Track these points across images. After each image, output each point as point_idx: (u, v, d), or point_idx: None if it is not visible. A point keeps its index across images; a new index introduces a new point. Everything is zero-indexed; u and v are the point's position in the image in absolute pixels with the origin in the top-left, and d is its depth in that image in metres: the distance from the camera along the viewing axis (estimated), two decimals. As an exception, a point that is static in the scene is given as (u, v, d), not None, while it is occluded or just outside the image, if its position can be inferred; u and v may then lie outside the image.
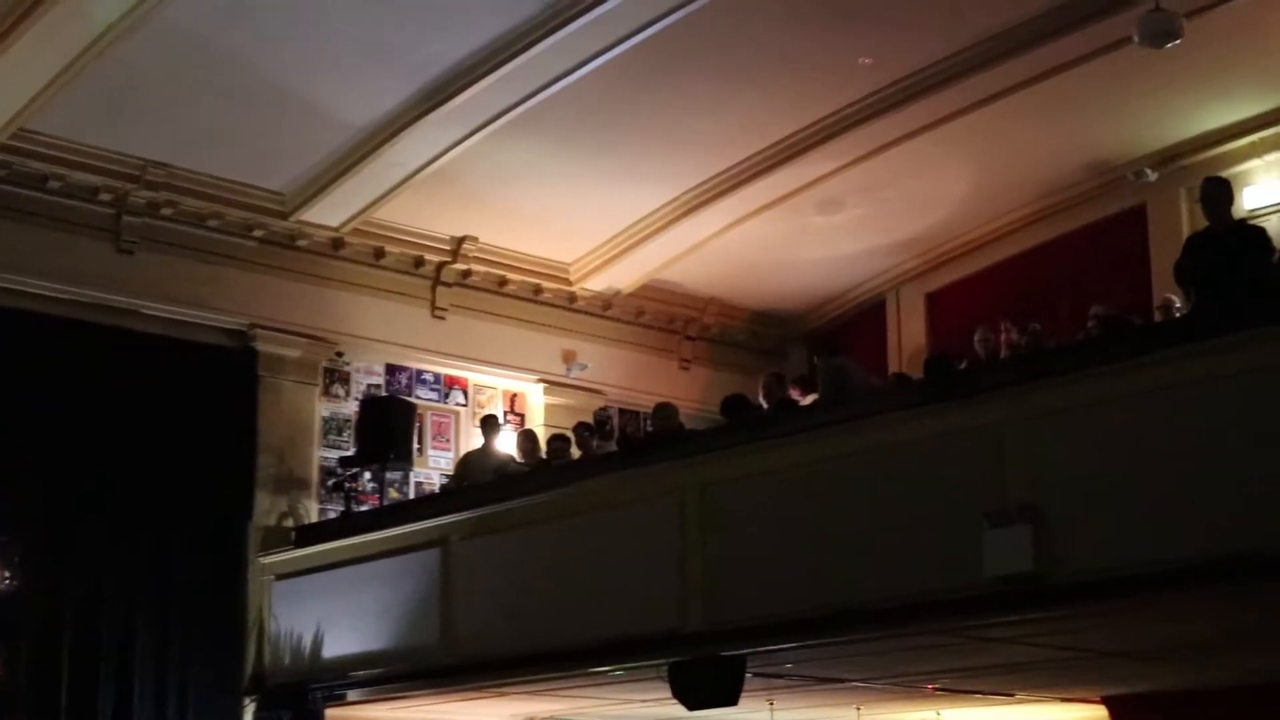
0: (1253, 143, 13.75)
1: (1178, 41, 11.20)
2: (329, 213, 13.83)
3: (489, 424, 14.12)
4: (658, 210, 14.92)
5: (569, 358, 15.90)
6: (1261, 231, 9.22)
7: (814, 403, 11.57)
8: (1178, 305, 11.42)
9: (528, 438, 13.91)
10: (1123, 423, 7.31)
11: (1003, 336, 12.49)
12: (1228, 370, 6.95)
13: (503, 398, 15.63)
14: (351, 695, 11.81)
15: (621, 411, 16.10)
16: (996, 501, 7.59)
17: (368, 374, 14.72)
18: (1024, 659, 9.58)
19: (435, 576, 11.01)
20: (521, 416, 15.48)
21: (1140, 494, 7.12)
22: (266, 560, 12.80)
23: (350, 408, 14.38)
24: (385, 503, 13.79)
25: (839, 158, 13.91)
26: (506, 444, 14.23)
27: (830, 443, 8.61)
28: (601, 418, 14.68)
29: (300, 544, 12.71)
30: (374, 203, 13.77)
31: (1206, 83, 12.98)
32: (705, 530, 9.09)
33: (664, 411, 12.22)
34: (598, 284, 15.94)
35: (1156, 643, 9.15)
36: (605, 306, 16.23)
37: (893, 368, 15.70)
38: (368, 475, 14.08)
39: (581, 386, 15.92)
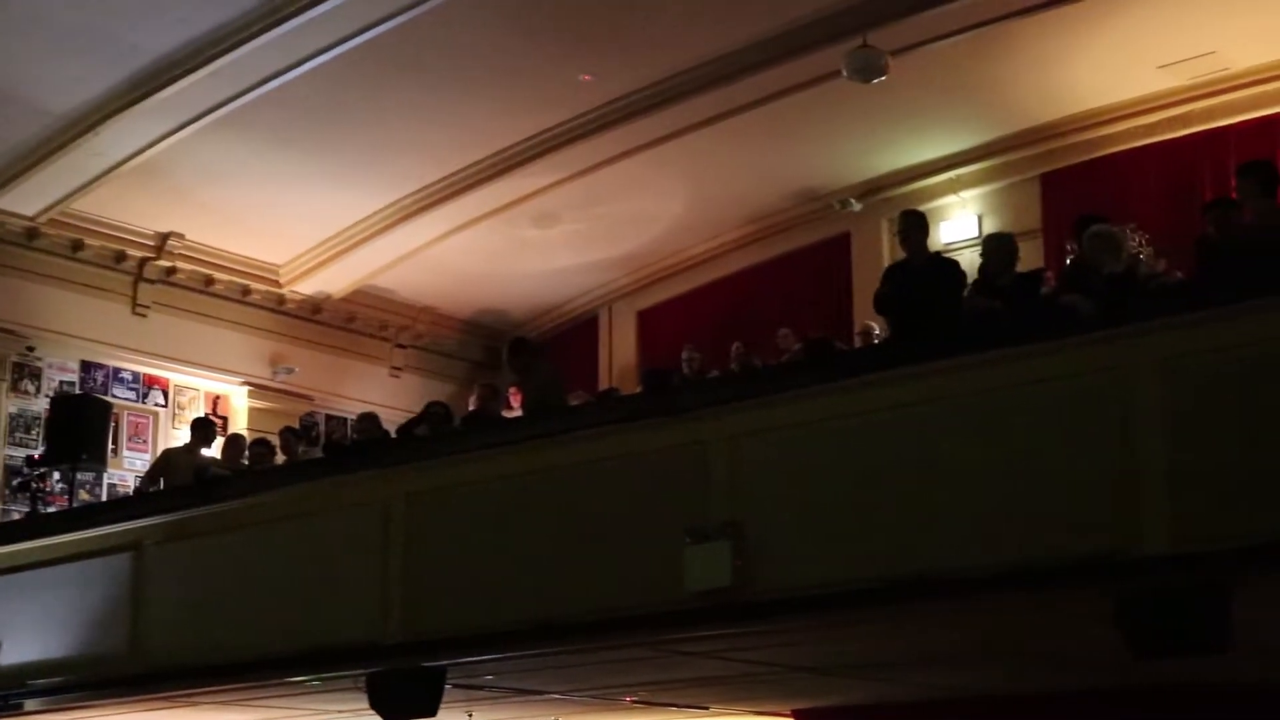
0: (951, 179, 14.38)
1: (884, 78, 11.63)
2: (24, 201, 13.25)
3: (201, 428, 13.64)
4: (372, 215, 14.76)
5: (276, 361, 15.58)
6: (955, 264, 9.60)
7: (523, 411, 11.58)
8: (877, 332, 11.84)
9: (232, 442, 13.56)
10: (820, 445, 7.50)
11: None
12: (917, 398, 7.21)
13: (205, 399, 15.22)
14: (29, 705, 11.27)
15: (329, 417, 15.85)
16: (699, 517, 7.71)
17: (61, 370, 14.16)
18: (719, 673, 9.75)
19: (126, 582, 10.61)
20: (224, 419, 15.09)
21: (833, 515, 7.32)
22: (-57, 563, 12.14)
23: (40, 405, 13.81)
24: (75, 504, 13.26)
25: (556, 172, 14.00)
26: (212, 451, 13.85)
27: (536, 455, 8.61)
28: (308, 423, 14.42)
29: (-20, 546, 12.09)
30: (73, 193, 13.26)
31: (910, 119, 13.52)
32: (409, 540, 8.99)
33: (365, 422, 12.07)
34: (308, 287, 15.68)
35: (845, 658, 9.41)
36: (315, 310, 15.98)
37: (603, 383, 15.87)
38: (57, 475, 13.52)
39: (288, 391, 15.64)
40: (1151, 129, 13.45)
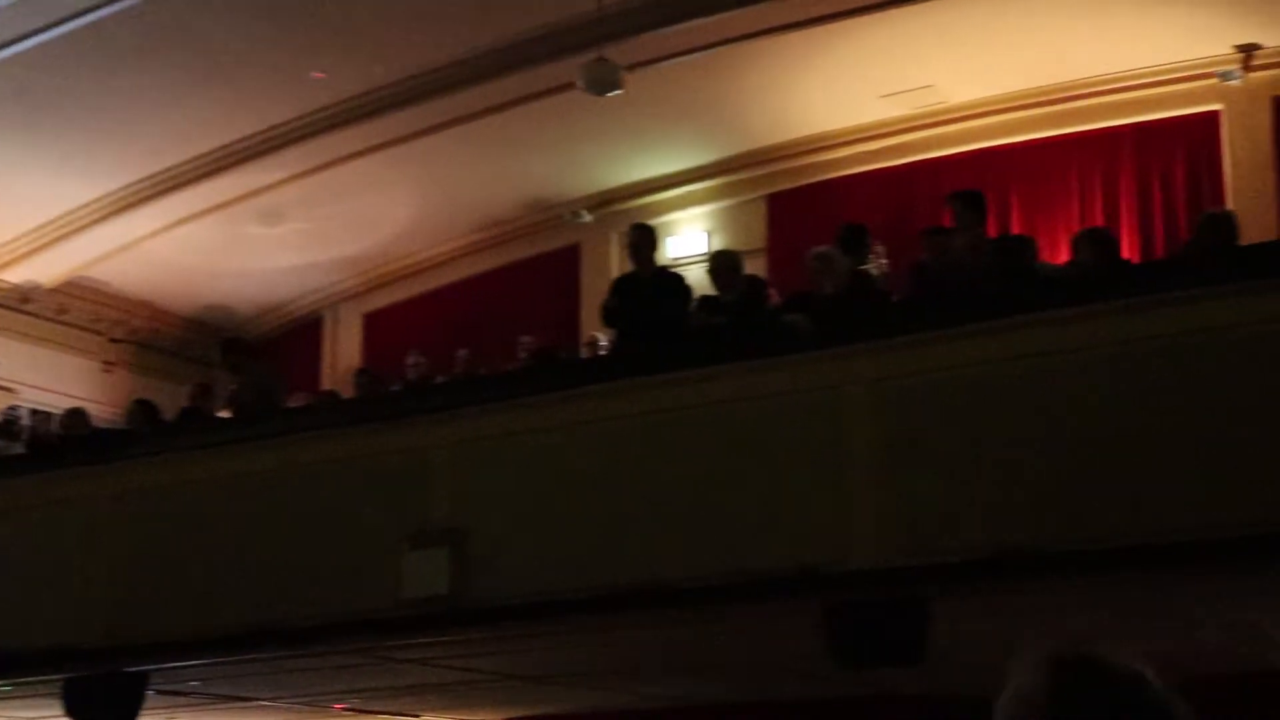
0: (679, 195, 14.59)
1: (618, 92, 11.74)
2: None
3: None
4: (89, 204, 14.23)
5: (-23, 352, 14.89)
6: (681, 279, 9.75)
7: (235, 413, 11.30)
8: (603, 343, 11.93)
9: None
10: (543, 454, 7.53)
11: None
12: (641, 410, 7.29)
13: (-104, 390, 14.45)
14: None
15: (34, 412, 15.19)
16: (419, 523, 7.65)
17: None
18: (434, 680, 9.69)
19: None
20: (-83, 411, 14.35)
21: (554, 524, 7.36)
22: None
23: None
24: None
25: (284, 169, 13.73)
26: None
27: (252, 456, 8.43)
28: (10, 417, 13.80)
29: None
30: None
31: (643, 134, 13.68)
32: (115, 540, 8.69)
33: (73, 418, 11.64)
34: (16, 275, 15.02)
35: (562, 667, 9.46)
36: (23, 300, 15.32)
37: (326, 386, 15.60)
38: None
39: (-10, 383, 14.95)
40: (873, 155, 13.89)
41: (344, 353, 16.63)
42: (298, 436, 8.40)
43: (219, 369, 15.74)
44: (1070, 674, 1.74)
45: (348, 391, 13.01)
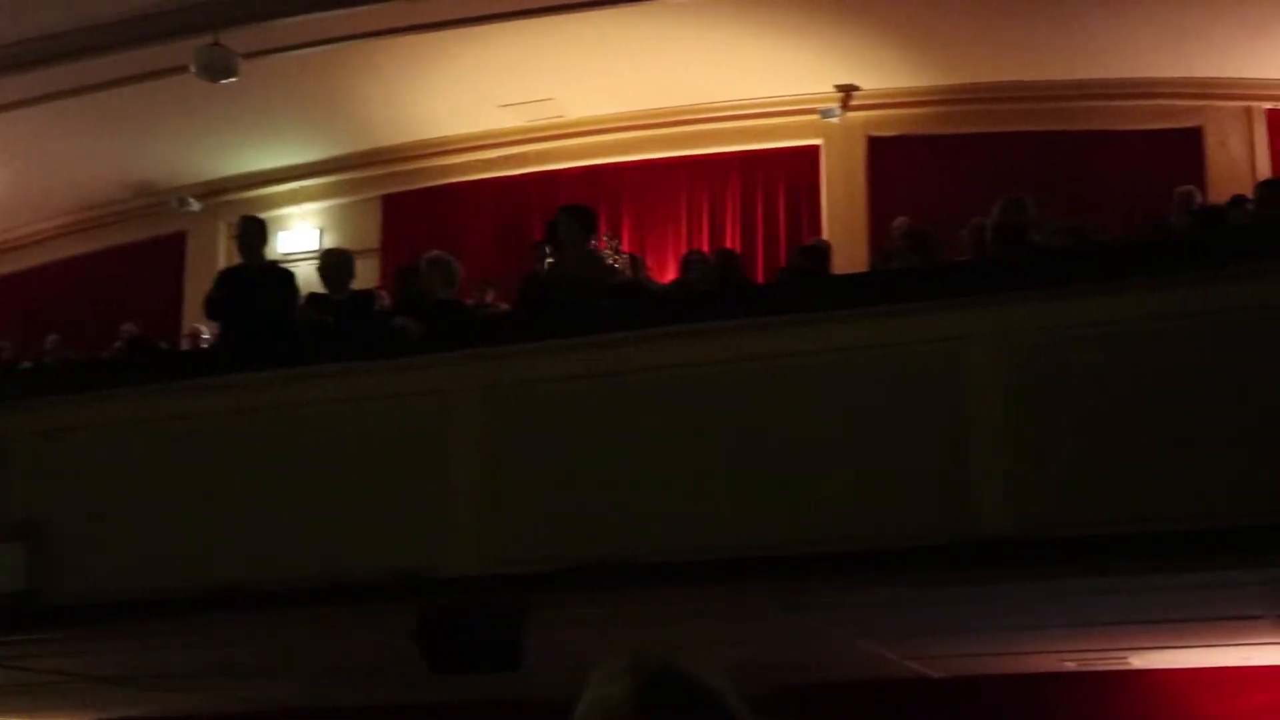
0: (293, 190, 14.35)
1: (233, 79, 11.47)
2: None
3: None
4: None
5: None
6: (290, 275, 9.57)
7: None
8: (206, 336, 11.60)
9: None
10: (136, 448, 7.28)
11: None
12: (242, 407, 7.14)
13: None
14: None
15: None
16: (-5, 517, 7.27)
17: None
18: (7, 681, 9.22)
19: None
20: None
21: (142, 521, 7.12)
22: None
23: None
24: None
25: None
26: None
27: None
28: None
29: None
30: None
31: (257, 125, 13.38)
32: None
33: None
34: None
35: (150, 668, 9.15)
36: None
37: (-104, 367, 14.62)
38: None
39: None
40: (490, 164, 13.99)
41: (-81, 333, 15.62)
42: None
43: None
44: (650, 684, 1.76)
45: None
